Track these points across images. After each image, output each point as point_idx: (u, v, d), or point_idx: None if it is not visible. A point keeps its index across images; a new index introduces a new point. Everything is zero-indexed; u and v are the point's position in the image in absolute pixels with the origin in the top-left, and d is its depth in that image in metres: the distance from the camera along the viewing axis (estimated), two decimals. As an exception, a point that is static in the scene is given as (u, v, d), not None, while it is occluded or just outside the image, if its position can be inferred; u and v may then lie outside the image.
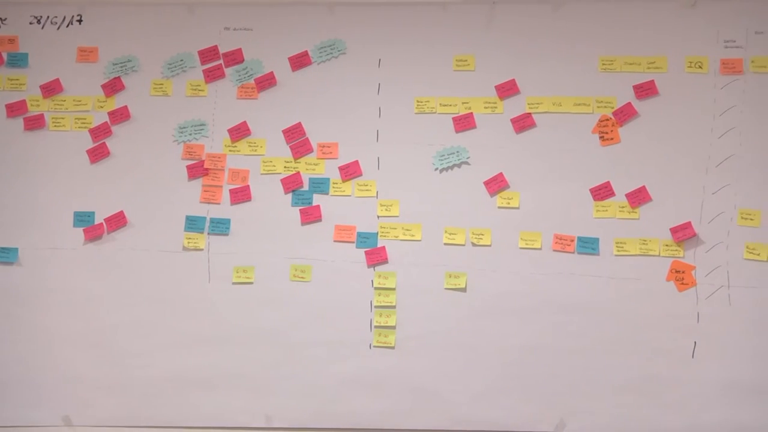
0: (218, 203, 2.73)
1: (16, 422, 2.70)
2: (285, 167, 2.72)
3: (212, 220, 2.72)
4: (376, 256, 2.67)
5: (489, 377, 2.62)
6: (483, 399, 2.61)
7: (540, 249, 2.62)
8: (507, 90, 2.68)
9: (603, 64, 2.65)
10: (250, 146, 2.74)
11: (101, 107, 2.78)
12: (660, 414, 2.56)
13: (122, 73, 2.78)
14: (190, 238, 2.71)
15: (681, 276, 2.57)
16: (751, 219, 2.56)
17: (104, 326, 2.70)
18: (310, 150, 2.72)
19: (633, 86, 2.63)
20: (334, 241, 2.68)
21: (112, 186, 2.75)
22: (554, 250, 2.62)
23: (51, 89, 2.79)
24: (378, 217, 2.69)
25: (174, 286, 2.70)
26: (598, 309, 2.59)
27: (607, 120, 2.64)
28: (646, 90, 2.63)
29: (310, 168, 2.72)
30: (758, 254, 2.55)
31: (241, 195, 2.72)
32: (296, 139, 2.73)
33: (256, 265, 2.69)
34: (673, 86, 2.62)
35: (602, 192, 2.62)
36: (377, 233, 2.68)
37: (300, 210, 2.70)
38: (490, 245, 2.64)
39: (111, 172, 2.75)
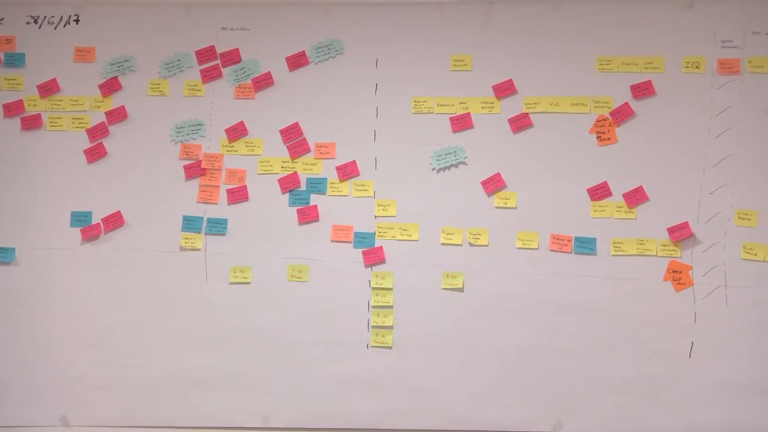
0: (215, 203, 2.73)
1: (12, 422, 2.70)
2: (282, 167, 2.72)
3: (209, 220, 2.72)
4: (374, 256, 2.67)
5: (486, 377, 2.62)
6: (480, 399, 2.61)
7: (537, 249, 2.63)
8: (504, 90, 2.68)
9: (600, 64, 2.65)
10: (247, 146, 2.74)
11: (98, 107, 2.78)
12: (657, 414, 2.56)
13: (119, 73, 2.78)
14: (187, 238, 2.71)
15: (678, 276, 2.57)
16: (748, 219, 2.56)
17: (101, 326, 2.70)
18: (307, 150, 2.72)
19: (630, 86, 2.63)
20: (332, 241, 2.68)
21: (110, 186, 2.75)
22: (551, 250, 2.62)
23: (48, 89, 2.79)
24: (375, 217, 2.69)
25: (171, 286, 2.70)
26: (596, 309, 2.59)
27: (605, 120, 2.64)
28: (643, 90, 2.63)
29: (307, 168, 2.72)
30: (755, 254, 2.55)
31: (238, 195, 2.72)
32: (293, 139, 2.73)
33: (254, 265, 2.69)
34: (670, 86, 2.62)
35: (599, 192, 2.62)
36: (374, 233, 2.68)
37: (297, 210, 2.70)
38: (487, 245, 2.64)
39: (108, 172, 2.75)
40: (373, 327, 2.65)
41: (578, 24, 2.67)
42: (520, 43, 2.68)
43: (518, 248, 2.63)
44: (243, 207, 2.72)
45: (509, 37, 2.69)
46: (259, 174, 2.73)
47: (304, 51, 2.74)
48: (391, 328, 2.65)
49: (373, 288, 2.66)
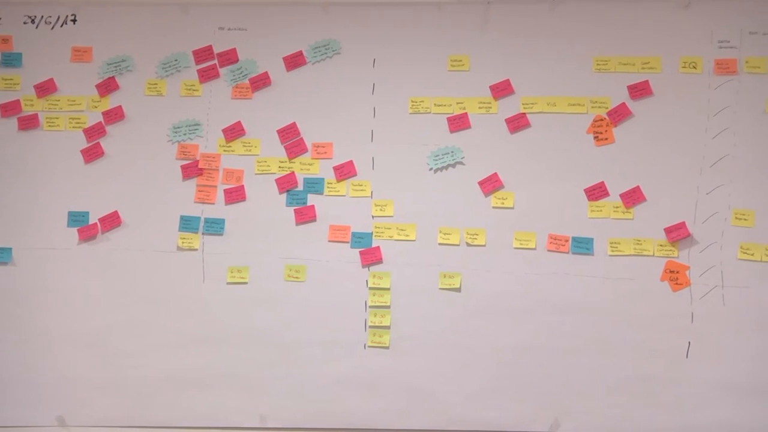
0: (213, 203, 2.72)
1: (9, 422, 2.69)
2: (279, 167, 2.72)
3: (207, 220, 2.72)
4: (371, 256, 2.67)
5: (483, 377, 2.62)
6: (477, 399, 2.61)
7: (534, 249, 2.63)
8: (501, 90, 2.68)
9: (597, 65, 2.65)
10: (244, 146, 2.74)
11: (95, 107, 2.78)
12: (654, 414, 2.57)
13: (116, 72, 2.78)
14: (184, 238, 2.71)
15: (675, 276, 2.58)
16: (745, 219, 2.56)
17: (98, 326, 2.70)
18: (304, 150, 2.72)
19: (627, 86, 2.64)
20: (329, 241, 2.68)
21: (107, 186, 2.74)
22: (549, 250, 2.62)
23: (45, 89, 2.79)
24: (372, 217, 2.69)
25: (168, 286, 2.70)
26: (593, 309, 2.60)
27: (602, 120, 2.64)
28: (640, 90, 2.63)
29: (304, 168, 2.72)
30: (752, 254, 2.55)
31: (235, 195, 2.72)
32: (291, 139, 2.73)
33: (251, 265, 2.69)
34: (667, 86, 2.62)
35: (596, 192, 2.62)
36: (372, 233, 2.68)
37: (294, 210, 2.70)
38: (484, 245, 2.64)
39: (105, 172, 2.75)
40: (370, 327, 2.65)
41: (575, 24, 2.67)
42: (518, 43, 2.68)
43: (515, 248, 2.63)
44: (240, 207, 2.72)
45: (507, 37, 2.69)
46: (256, 174, 2.73)
47: (301, 51, 2.74)
48: (388, 328, 2.65)
49: (371, 288, 2.66)
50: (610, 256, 2.60)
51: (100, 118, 2.77)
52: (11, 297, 2.72)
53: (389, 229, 2.67)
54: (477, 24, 2.70)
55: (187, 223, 2.72)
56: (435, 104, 2.69)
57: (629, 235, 2.60)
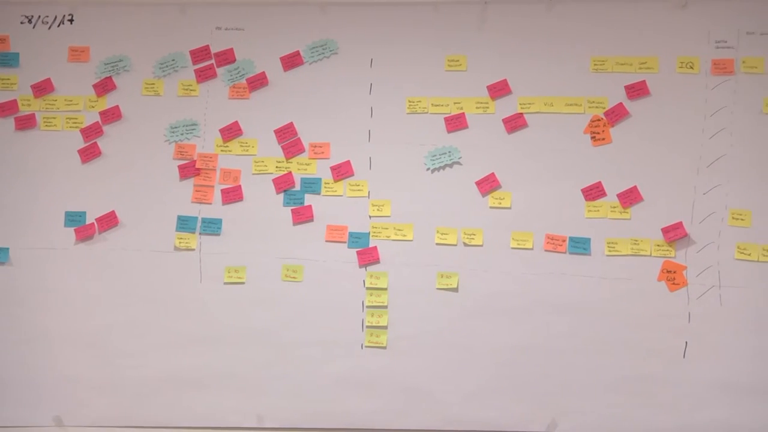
0: (210, 203, 2.72)
1: (8, 422, 2.69)
2: (277, 167, 2.72)
3: (204, 220, 2.72)
4: (368, 256, 2.67)
5: (481, 377, 2.62)
6: (475, 399, 2.61)
7: (532, 249, 2.63)
8: (499, 90, 2.68)
9: (594, 65, 2.66)
10: (241, 146, 2.74)
11: (92, 107, 2.78)
12: (651, 414, 2.57)
13: (114, 72, 2.78)
14: (181, 238, 2.71)
15: (672, 276, 2.58)
16: (742, 219, 2.56)
17: (96, 326, 2.70)
18: (301, 150, 2.72)
19: (624, 86, 2.64)
20: (326, 241, 2.68)
21: (104, 186, 2.74)
22: (546, 250, 2.62)
23: (42, 89, 2.79)
24: (370, 217, 2.68)
25: (165, 286, 2.70)
26: (590, 309, 2.60)
27: (599, 120, 2.64)
28: (637, 90, 2.63)
29: (301, 168, 2.72)
30: (749, 254, 2.55)
31: (232, 195, 2.72)
32: (288, 139, 2.73)
33: (248, 265, 2.69)
34: (664, 87, 2.63)
35: (594, 192, 2.62)
36: (369, 233, 2.68)
37: (292, 210, 2.70)
38: (481, 245, 2.64)
39: (102, 172, 2.75)
40: (367, 327, 2.65)
41: (573, 24, 2.67)
42: (515, 43, 2.68)
43: (513, 248, 2.63)
44: (237, 207, 2.72)
45: (504, 38, 2.69)
46: (253, 174, 2.72)
47: (298, 51, 2.74)
48: (385, 328, 2.65)
49: (368, 288, 2.66)
50: (608, 256, 2.60)
51: (97, 118, 2.77)
52: (8, 297, 2.72)
53: (386, 229, 2.67)
54: (474, 24, 2.70)
55: (185, 223, 2.71)
56: (432, 104, 2.69)
57: (626, 235, 2.60)
